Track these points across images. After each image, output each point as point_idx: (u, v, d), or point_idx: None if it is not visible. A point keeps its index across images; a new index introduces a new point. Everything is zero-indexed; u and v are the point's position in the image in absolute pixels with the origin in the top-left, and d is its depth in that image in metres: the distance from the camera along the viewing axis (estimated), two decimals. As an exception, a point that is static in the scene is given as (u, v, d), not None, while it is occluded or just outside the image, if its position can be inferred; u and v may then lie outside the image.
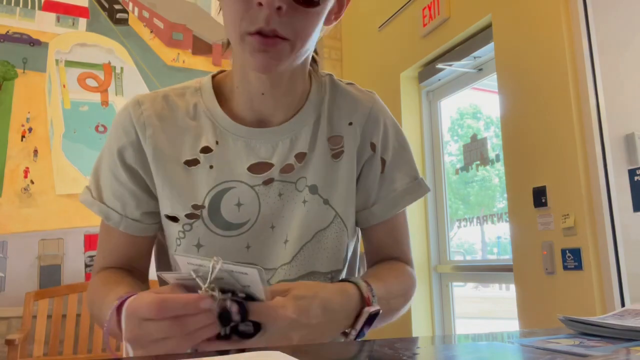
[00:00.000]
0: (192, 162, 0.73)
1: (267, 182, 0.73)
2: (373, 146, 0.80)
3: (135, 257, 0.76)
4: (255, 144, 0.73)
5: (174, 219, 0.73)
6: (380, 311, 0.66)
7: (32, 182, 3.03)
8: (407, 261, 0.83)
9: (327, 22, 0.71)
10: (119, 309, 0.54)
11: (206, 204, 0.72)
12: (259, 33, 0.62)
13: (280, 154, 0.74)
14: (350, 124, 0.78)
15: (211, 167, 0.73)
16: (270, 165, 0.74)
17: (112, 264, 0.75)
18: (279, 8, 0.61)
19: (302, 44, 0.66)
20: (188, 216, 0.72)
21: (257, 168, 0.73)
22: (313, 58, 0.79)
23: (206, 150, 0.73)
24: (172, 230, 0.74)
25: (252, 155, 0.73)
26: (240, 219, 0.73)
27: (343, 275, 0.82)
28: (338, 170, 0.77)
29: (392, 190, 0.80)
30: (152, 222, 0.76)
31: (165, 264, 0.81)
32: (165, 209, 0.73)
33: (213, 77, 0.79)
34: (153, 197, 0.75)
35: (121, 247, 0.75)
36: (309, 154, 0.76)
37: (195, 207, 0.72)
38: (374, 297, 0.66)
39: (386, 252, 0.83)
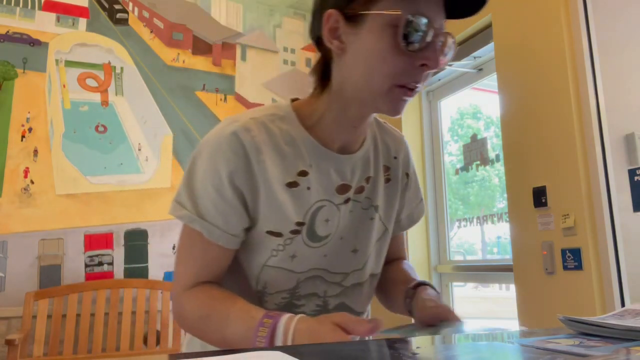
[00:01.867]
0: (293, 184, 0.82)
1: (346, 201, 0.86)
2: (407, 175, 0.99)
3: (224, 268, 0.84)
4: (341, 168, 0.85)
5: (277, 234, 0.82)
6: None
7: (32, 182, 3.03)
8: (406, 258, 1.07)
9: None
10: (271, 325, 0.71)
11: (306, 221, 0.83)
12: (404, 85, 0.75)
13: (357, 177, 0.87)
14: (395, 157, 0.96)
15: (308, 188, 0.83)
16: (350, 187, 0.86)
17: (206, 277, 0.82)
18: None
19: None
20: (292, 232, 0.83)
21: (341, 189, 0.86)
22: None
23: (303, 173, 0.83)
24: (268, 244, 0.83)
25: (339, 177, 0.85)
26: (325, 233, 0.85)
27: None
28: (389, 192, 0.94)
29: (412, 208, 1.02)
30: (244, 236, 0.84)
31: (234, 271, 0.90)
32: (268, 225, 0.82)
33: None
34: (250, 215, 0.82)
35: (217, 260, 0.83)
36: (373, 178, 0.90)
37: (298, 223, 0.83)
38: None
39: (396, 254, 1.03)
